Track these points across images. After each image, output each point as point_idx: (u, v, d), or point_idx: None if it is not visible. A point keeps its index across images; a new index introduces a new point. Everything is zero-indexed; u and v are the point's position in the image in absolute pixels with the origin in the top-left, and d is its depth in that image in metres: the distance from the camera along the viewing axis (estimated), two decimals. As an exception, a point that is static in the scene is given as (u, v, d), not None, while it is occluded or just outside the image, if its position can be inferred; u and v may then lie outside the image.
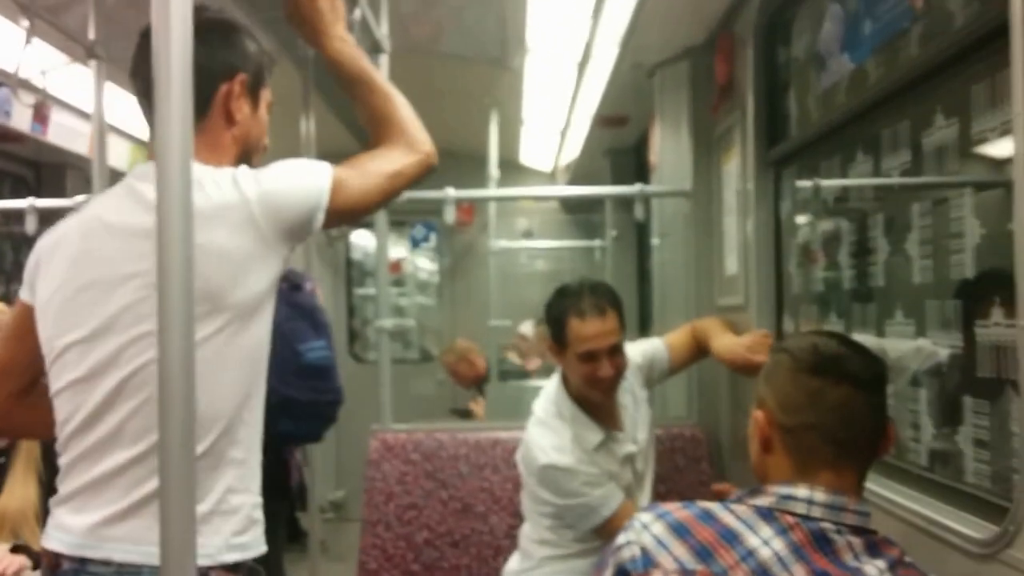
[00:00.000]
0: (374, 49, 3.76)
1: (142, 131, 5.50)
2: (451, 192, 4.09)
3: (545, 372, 6.06)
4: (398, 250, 8.86)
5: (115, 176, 2.27)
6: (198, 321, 1.67)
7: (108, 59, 3.10)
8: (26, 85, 3.83)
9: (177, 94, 1.34)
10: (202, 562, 1.72)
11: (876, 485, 2.25)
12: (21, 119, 4.92)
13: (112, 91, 3.22)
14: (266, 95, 2.10)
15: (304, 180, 1.91)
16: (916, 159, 2.24)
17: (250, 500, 1.92)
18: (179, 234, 1.29)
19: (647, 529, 1.71)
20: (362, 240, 9.01)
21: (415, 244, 8.80)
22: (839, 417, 1.70)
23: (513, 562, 3.30)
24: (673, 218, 4.19)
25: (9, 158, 6.16)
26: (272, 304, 1.93)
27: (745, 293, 3.42)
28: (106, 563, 1.80)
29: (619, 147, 6.79)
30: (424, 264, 9.35)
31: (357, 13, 3.34)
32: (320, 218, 1.90)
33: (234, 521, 1.86)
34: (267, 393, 3.58)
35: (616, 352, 3.04)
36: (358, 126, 3.87)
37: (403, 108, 2.12)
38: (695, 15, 3.66)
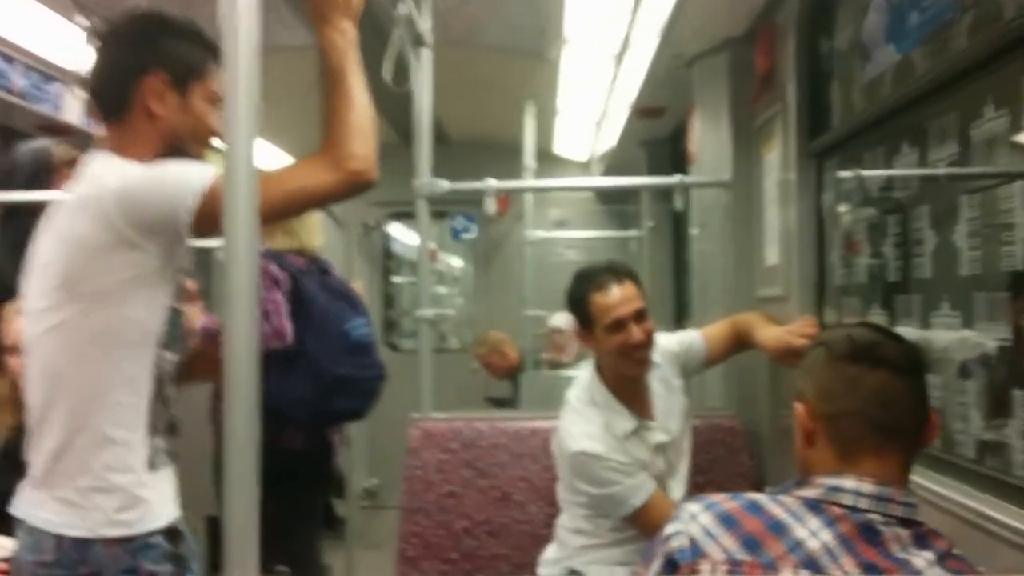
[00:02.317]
0: (417, 43, 3.78)
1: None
2: (492, 183, 4.09)
3: (581, 360, 6.07)
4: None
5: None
6: (56, 307, 1.99)
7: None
8: (81, 80, 3.93)
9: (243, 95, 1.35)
10: (83, 534, 1.99)
11: (923, 478, 2.24)
12: (72, 112, 4.98)
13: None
14: (202, 87, 2.17)
15: (170, 181, 1.96)
16: (964, 151, 2.23)
17: (133, 479, 2.04)
18: (244, 226, 1.34)
19: (695, 519, 1.71)
20: (393, 231, 9.06)
21: (456, 235, 8.79)
22: (878, 401, 1.69)
23: (550, 551, 3.32)
24: (712, 208, 4.18)
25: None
26: (146, 293, 2.02)
27: (786, 284, 3.41)
28: (24, 523, 2.05)
29: (654, 138, 6.77)
30: (454, 262, 9.41)
31: (402, 8, 3.36)
32: (184, 219, 1.92)
33: (116, 498, 2.01)
34: (320, 374, 3.66)
35: (642, 317, 3.07)
36: (399, 117, 3.91)
37: (356, 116, 2.02)
38: (736, 5, 3.65)
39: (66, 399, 2.00)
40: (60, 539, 1.97)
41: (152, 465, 2.08)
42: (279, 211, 2.01)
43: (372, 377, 3.87)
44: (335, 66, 2.03)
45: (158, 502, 2.08)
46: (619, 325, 3.03)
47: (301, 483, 4.00)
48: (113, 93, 2.14)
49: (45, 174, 3.60)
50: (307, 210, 2.15)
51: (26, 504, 2.05)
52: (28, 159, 3.70)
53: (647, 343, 3.09)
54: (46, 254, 2.03)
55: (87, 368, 1.99)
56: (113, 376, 2.01)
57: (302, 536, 4.07)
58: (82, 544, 1.98)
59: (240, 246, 1.38)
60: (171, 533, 2.10)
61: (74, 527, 1.98)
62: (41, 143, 3.80)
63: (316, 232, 3.98)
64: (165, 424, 2.14)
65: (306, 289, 3.75)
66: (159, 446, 2.11)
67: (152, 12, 2.19)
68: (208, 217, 1.89)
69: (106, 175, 2.00)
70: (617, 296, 3.04)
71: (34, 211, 2.21)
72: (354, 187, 2.00)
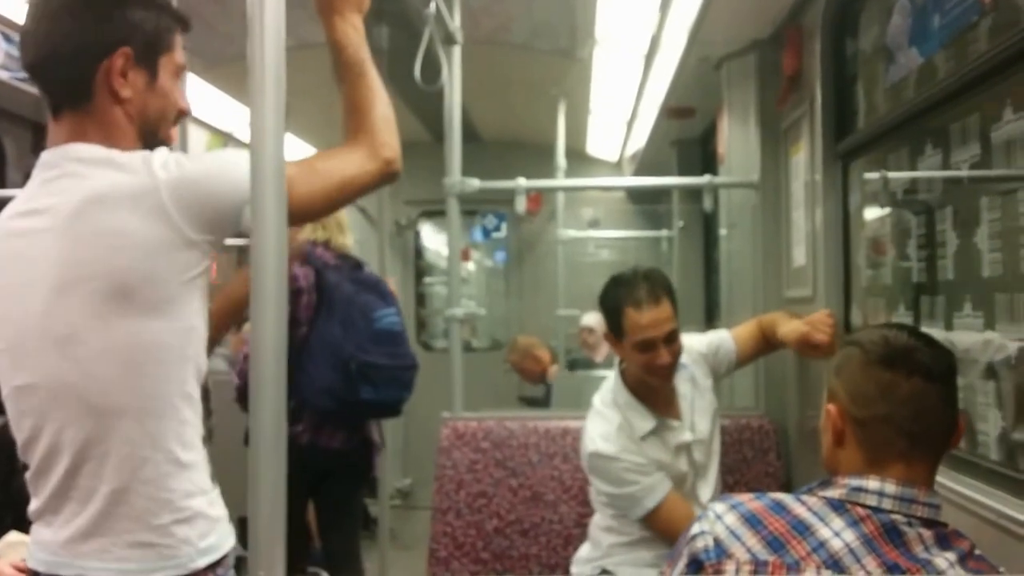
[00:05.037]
0: (447, 41, 3.81)
1: (220, 121, 5.63)
2: (522, 182, 4.11)
3: (612, 361, 6.08)
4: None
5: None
6: (104, 325, 1.73)
7: (189, 50, 3.15)
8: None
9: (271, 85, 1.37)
10: (175, 572, 1.79)
11: (946, 479, 2.25)
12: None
13: (191, 81, 3.27)
14: (169, 61, 1.93)
15: (234, 172, 1.78)
16: (985, 152, 2.24)
17: (205, 500, 1.87)
18: (273, 231, 1.35)
19: (720, 520, 1.73)
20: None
21: (486, 234, 8.81)
22: (912, 409, 1.69)
23: (583, 551, 3.35)
24: (741, 209, 4.20)
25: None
26: (196, 301, 1.83)
27: (813, 285, 3.42)
28: None
29: (686, 138, 6.78)
30: (481, 262, 9.46)
31: (432, 6, 3.38)
32: (249, 214, 1.64)
33: (198, 524, 1.83)
34: (346, 361, 3.69)
35: (672, 339, 3.08)
36: (431, 116, 3.94)
37: (382, 106, 1.99)
38: (762, 8, 3.66)
39: (126, 430, 1.77)
40: None
41: (212, 480, 1.92)
42: (327, 204, 1.92)
43: (402, 366, 3.89)
44: (354, 58, 1.97)
45: (224, 517, 1.93)
46: (649, 345, 3.05)
47: (341, 483, 4.05)
48: (72, 76, 1.84)
49: None
50: (347, 203, 1.99)
51: (74, 558, 1.79)
52: None
53: (673, 365, 3.11)
54: (70, 269, 1.74)
55: (150, 391, 1.78)
56: (177, 395, 1.81)
57: (342, 536, 4.12)
58: None
59: (269, 245, 1.36)
60: (239, 563, 1.92)
61: (161, 570, 1.79)
62: None
63: (345, 228, 4.01)
64: (207, 433, 1.96)
65: (329, 280, 3.77)
66: (206, 457, 1.93)
67: None
68: None
69: (147, 159, 1.77)
70: (651, 318, 3.04)
71: None
72: (389, 176, 1.97)
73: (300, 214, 1.83)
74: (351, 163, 1.91)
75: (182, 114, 2.00)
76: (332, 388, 3.71)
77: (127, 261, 1.72)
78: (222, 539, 1.89)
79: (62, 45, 1.83)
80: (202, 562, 1.82)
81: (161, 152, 1.81)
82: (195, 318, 1.83)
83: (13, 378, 1.83)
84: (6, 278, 1.82)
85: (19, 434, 1.85)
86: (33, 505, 1.86)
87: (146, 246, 1.72)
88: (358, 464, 4.08)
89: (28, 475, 1.86)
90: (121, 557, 1.77)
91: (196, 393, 1.86)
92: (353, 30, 1.98)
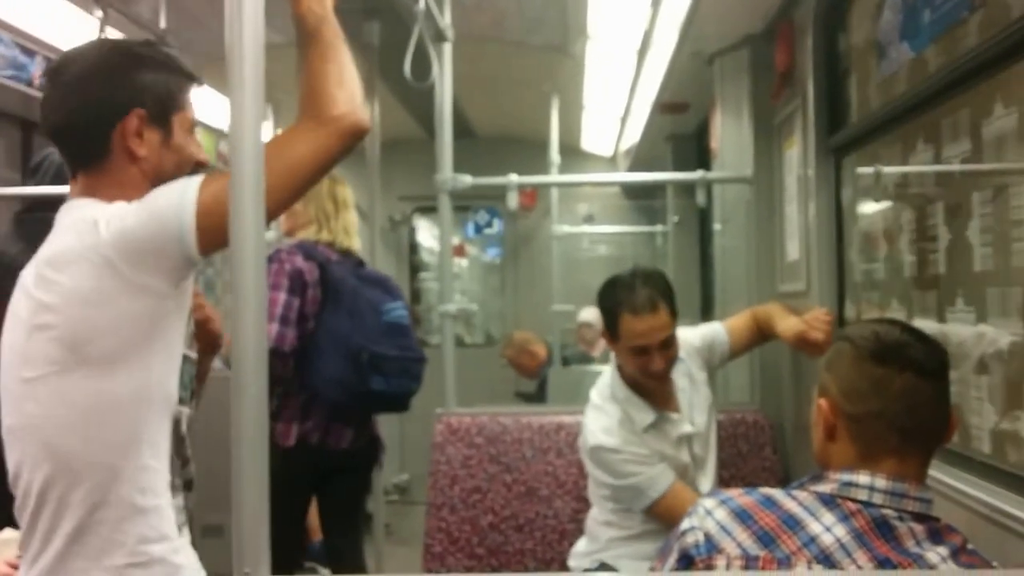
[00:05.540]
0: (438, 38, 3.80)
1: (215, 120, 5.62)
2: (514, 178, 4.10)
3: (608, 356, 6.08)
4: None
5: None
6: (59, 373, 1.78)
7: (179, 48, 3.14)
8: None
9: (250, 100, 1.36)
10: None
11: (939, 472, 2.25)
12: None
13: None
14: (182, 118, 2.00)
15: (158, 206, 1.78)
16: (976, 147, 2.24)
17: (167, 547, 1.87)
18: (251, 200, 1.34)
19: (710, 515, 1.73)
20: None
21: (479, 230, 8.81)
22: (904, 405, 1.70)
23: (581, 544, 3.35)
24: (735, 204, 4.20)
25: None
26: (163, 346, 1.84)
27: (807, 279, 3.42)
28: None
29: (680, 133, 6.78)
30: (476, 258, 9.46)
31: (421, 3, 3.38)
32: (190, 240, 1.74)
33: (155, 570, 1.84)
34: (357, 352, 3.69)
35: (667, 345, 3.08)
36: (424, 112, 3.93)
37: (335, 67, 1.84)
38: (754, 3, 3.66)
39: (82, 474, 1.79)
40: None
41: (179, 528, 1.93)
42: (286, 189, 1.79)
43: (411, 358, 3.89)
44: (311, 29, 1.85)
45: (193, 566, 1.93)
46: (643, 351, 3.06)
47: (348, 481, 4.06)
48: (89, 138, 1.93)
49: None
50: (313, 180, 1.85)
51: None
52: (59, 159, 3.69)
53: (667, 370, 3.13)
54: (37, 316, 1.80)
55: (105, 438, 1.80)
56: (135, 442, 1.82)
57: (346, 533, 4.13)
58: None
59: (248, 246, 1.36)
60: None
61: None
62: None
63: (352, 232, 4.00)
64: (184, 482, 2.01)
65: (334, 274, 3.78)
66: (180, 505, 1.96)
67: (122, 44, 2.04)
68: (210, 226, 1.72)
69: (95, 220, 1.80)
70: (647, 325, 3.04)
71: (54, 207, 2.05)
72: (345, 135, 1.82)
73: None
74: (298, 142, 1.81)
75: (199, 166, 2.04)
76: (343, 379, 3.70)
77: (80, 311, 1.77)
78: None
79: (78, 109, 1.92)
80: None
81: (108, 211, 1.83)
82: (159, 363, 1.84)
83: (4, 416, 1.88)
84: (8, 320, 1.90)
85: (9, 470, 1.88)
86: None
87: (100, 296, 1.76)
88: (365, 463, 4.09)
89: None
90: None
91: (162, 438, 1.88)
92: (316, 3, 1.88)
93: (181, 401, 1.95)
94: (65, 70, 1.94)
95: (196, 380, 2.13)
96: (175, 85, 2.00)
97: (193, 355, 2.06)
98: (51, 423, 1.80)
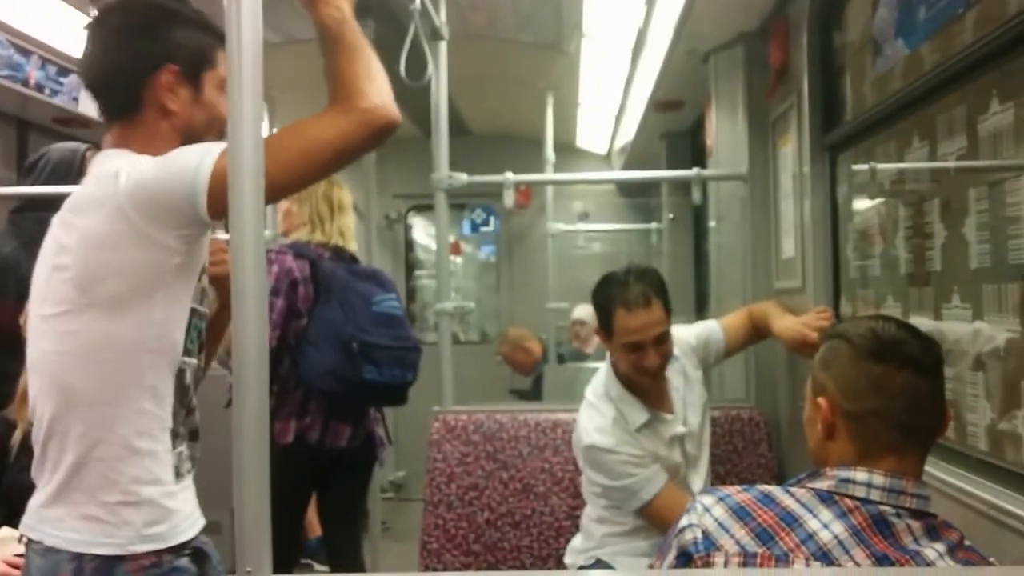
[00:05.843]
0: (433, 36, 3.80)
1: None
2: (510, 176, 4.10)
3: (603, 353, 6.08)
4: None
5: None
6: (70, 312, 1.88)
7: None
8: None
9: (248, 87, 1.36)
10: (111, 551, 1.87)
11: (935, 469, 2.25)
12: (89, 105, 5.00)
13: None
14: (213, 76, 2.06)
15: (176, 165, 1.82)
16: (972, 144, 2.24)
17: (160, 490, 1.92)
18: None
19: (708, 512, 1.73)
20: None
21: (474, 228, 8.79)
22: (904, 403, 1.70)
23: (576, 542, 3.36)
24: (730, 201, 4.20)
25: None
26: (166, 295, 1.89)
27: (802, 276, 3.43)
28: (39, 543, 1.90)
29: (675, 130, 6.76)
30: (472, 256, 9.45)
31: (416, 1, 3.37)
32: (200, 203, 1.78)
33: (145, 511, 1.89)
34: (347, 341, 3.70)
35: (661, 341, 3.08)
36: (420, 111, 3.94)
37: (361, 63, 1.85)
38: (748, 1, 3.66)
39: (82, 411, 1.87)
40: (80, 560, 1.85)
41: (178, 473, 1.97)
42: (298, 171, 1.81)
43: (403, 347, 3.89)
44: (334, 32, 1.86)
45: (186, 512, 1.97)
46: (637, 347, 3.05)
47: (347, 478, 4.07)
48: (123, 91, 2.01)
49: (74, 176, 3.58)
50: (330, 166, 1.84)
51: (39, 522, 1.91)
52: (58, 157, 3.67)
53: (661, 366, 3.12)
54: (57, 257, 1.91)
55: (105, 377, 1.87)
56: (133, 385, 1.88)
57: (345, 529, 4.13)
58: (106, 564, 1.86)
59: (247, 237, 1.36)
60: (196, 554, 1.99)
61: (101, 544, 1.85)
62: (77, 145, 3.78)
63: (349, 236, 4.00)
64: (188, 431, 2.04)
65: (324, 269, 3.78)
66: (183, 453, 2.00)
67: (156, 1, 2.07)
68: (222, 194, 1.60)
69: (118, 171, 1.85)
70: (641, 321, 3.04)
71: (48, 207, 2.08)
72: (373, 129, 1.81)
73: (270, 191, 1.66)
74: (322, 127, 1.81)
75: (221, 126, 2.06)
76: (335, 369, 3.70)
77: (92, 253, 1.85)
78: (175, 531, 1.93)
79: (114, 63, 2.02)
80: (142, 547, 1.88)
81: (131, 163, 1.90)
82: (161, 312, 1.89)
83: (27, 351, 1.99)
84: (39, 261, 2.00)
85: (29, 401, 1.99)
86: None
87: (111, 241, 1.83)
88: (363, 461, 4.09)
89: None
90: (72, 528, 1.87)
91: (163, 385, 1.94)
92: (335, 10, 1.89)
93: (188, 353, 1.99)
94: (105, 21, 2.05)
95: (210, 334, 2.19)
96: (208, 43, 2.06)
97: (204, 310, 2.09)
98: (59, 360, 1.89)
